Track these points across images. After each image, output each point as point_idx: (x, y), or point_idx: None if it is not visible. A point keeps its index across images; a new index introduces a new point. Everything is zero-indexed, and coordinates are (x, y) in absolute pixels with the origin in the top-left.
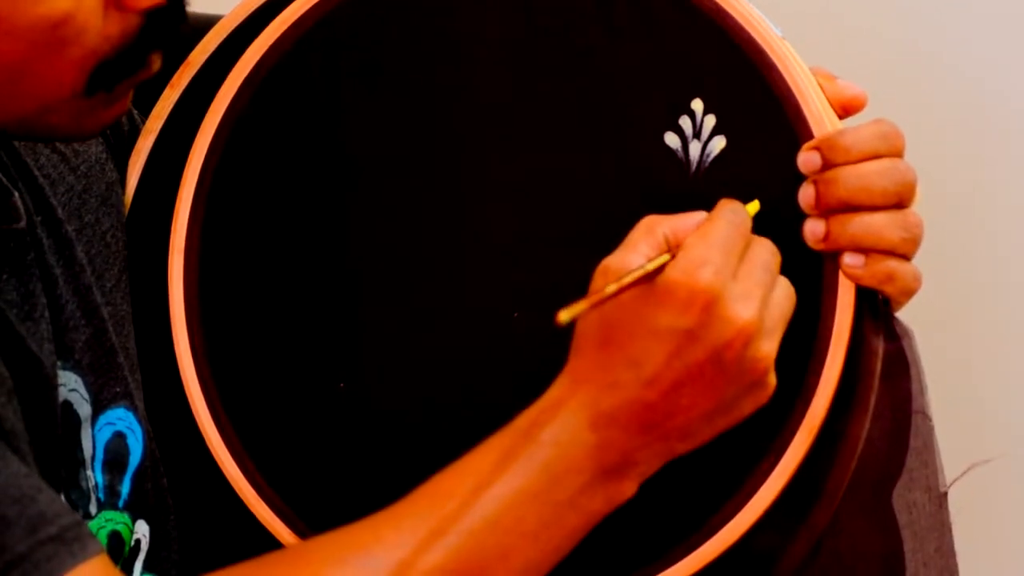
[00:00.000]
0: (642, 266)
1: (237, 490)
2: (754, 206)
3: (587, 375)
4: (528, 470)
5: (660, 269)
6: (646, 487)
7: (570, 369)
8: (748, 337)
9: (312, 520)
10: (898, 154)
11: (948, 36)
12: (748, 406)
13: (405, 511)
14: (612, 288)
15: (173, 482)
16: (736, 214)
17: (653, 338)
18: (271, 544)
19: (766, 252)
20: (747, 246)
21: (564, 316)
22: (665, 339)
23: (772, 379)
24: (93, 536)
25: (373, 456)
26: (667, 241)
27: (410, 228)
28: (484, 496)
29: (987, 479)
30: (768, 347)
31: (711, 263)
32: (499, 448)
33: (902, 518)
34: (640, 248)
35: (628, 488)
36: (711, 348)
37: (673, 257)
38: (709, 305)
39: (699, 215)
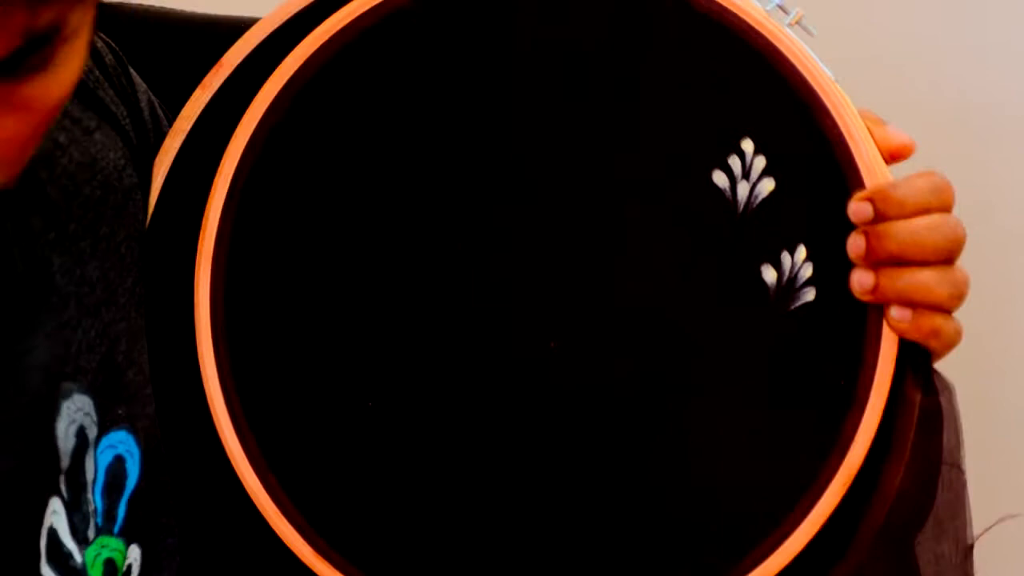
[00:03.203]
0: None
1: (257, 504)
2: None
3: None
4: None
5: None
6: (677, 526)
7: None
8: None
9: (333, 538)
10: (948, 208)
11: (994, 85)
12: None
13: None
14: None
15: (189, 495)
16: None
17: None
18: (289, 561)
19: None
20: None
21: None
22: None
23: None
24: None
25: (397, 477)
26: None
27: (447, 250)
28: None
29: (1012, 533)
30: None
31: None
32: None
33: (929, 569)
34: None
35: None
36: None
37: None
38: None
39: None
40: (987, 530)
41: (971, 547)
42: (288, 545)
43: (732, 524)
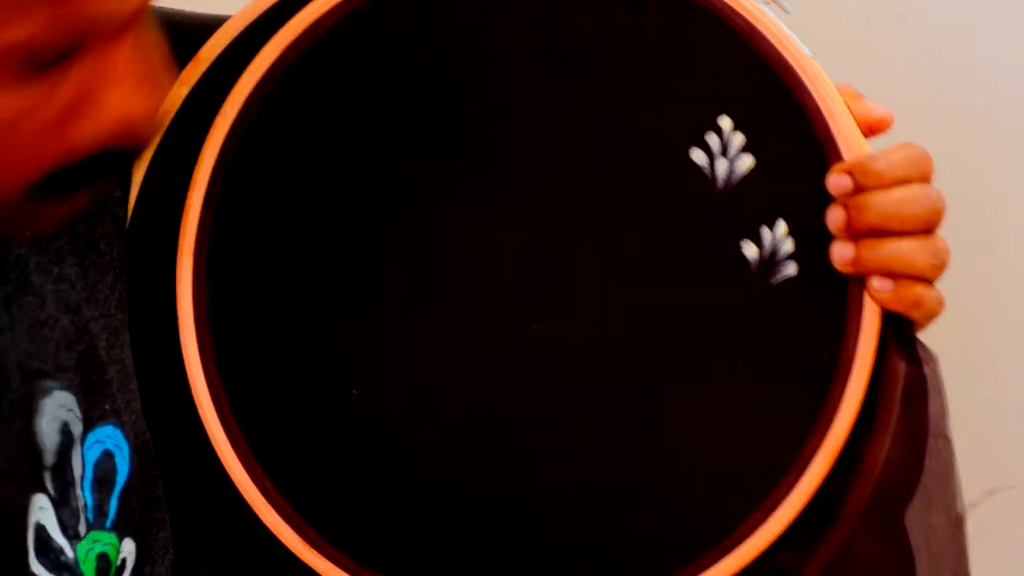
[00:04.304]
0: None
1: (244, 494)
2: None
3: None
4: None
5: None
6: (664, 503)
7: None
8: None
9: (320, 526)
10: (927, 179)
11: (974, 58)
12: None
13: None
14: None
15: (175, 489)
16: None
17: None
18: (278, 550)
19: None
20: None
21: None
22: None
23: None
24: None
25: (384, 464)
26: None
27: (426, 237)
28: None
29: (1005, 503)
30: None
31: None
32: None
33: (920, 540)
34: None
35: None
36: None
37: None
38: None
39: None
40: (979, 501)
41: (962, 518)
42: (275, 534)
43: (719, 500)
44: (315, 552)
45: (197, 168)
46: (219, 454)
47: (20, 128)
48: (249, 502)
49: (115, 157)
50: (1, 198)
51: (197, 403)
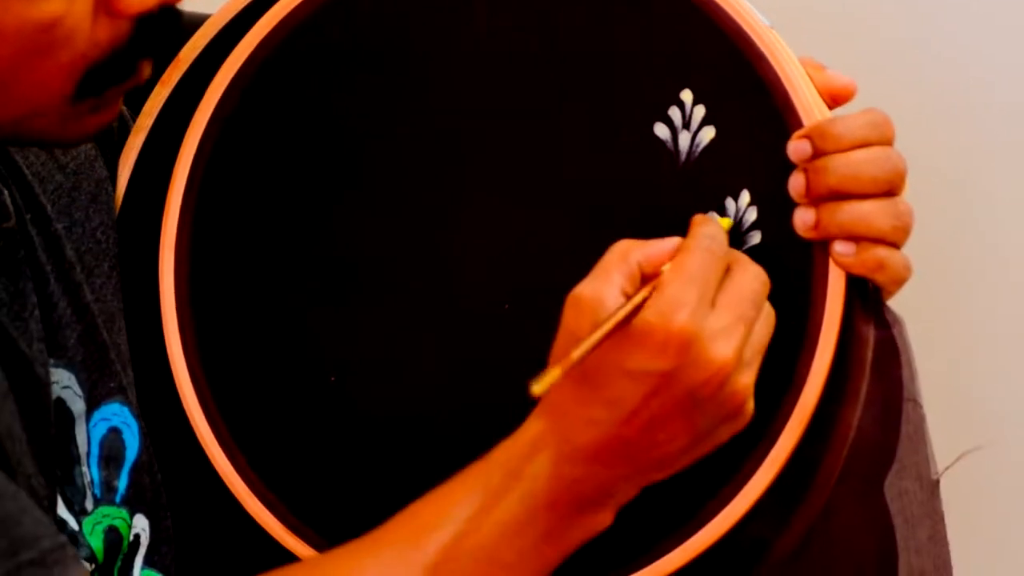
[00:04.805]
0: (612, 316)
1: (227, 484)
2: (726, 222)
3: (564, 411)
4: (506, 504)
5: (636, 312)
6: None
7: (546, 404)
8: (726, 375)
9: (303, 514)
10: (888, 143)
11: (935, 25)
12: (724, 434)
13: (384, 541)
14: (584, 348)
15: (165, 477)
16: (712, 240)
17: (630, 379)
18: (261, 538)
19: (749, 281)
20: (727, 272)
21: (538, 388)
22: (642, 380)
23: (750, 407)
24: (76, 558)
25: (363, 449)
26: (641, 270)
27: (400, 222)
28: (463, 529)
29: (979, 467)
30: (746, 380)
31: (687, 303)
32: (478, 481)
33: (893, 506)
34: (614, 278)
35: (605, 519)
36: (688, 388)
37: (644, 300)
38: (686, 347)
39: (673, 241)
40: (951, 466)
41: (937, 483)
42: (259, 522)
43: (690, 473)
44: (296, 538)
45: (176, 163)
46: (202, 443)
47: (54, 33)
48: (232, 490)
49: (138, 51)
50: (46, 105)
51: (180, 393)
